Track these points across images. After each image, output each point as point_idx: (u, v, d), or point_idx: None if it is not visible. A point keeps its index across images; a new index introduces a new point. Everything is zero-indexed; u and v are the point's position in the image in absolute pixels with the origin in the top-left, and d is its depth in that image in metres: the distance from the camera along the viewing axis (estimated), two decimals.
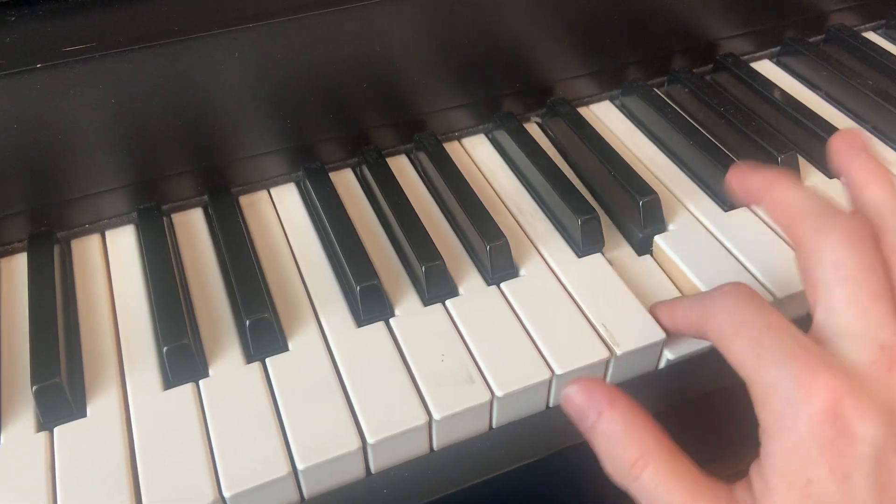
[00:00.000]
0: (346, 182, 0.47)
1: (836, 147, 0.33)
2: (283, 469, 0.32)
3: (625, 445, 0.29)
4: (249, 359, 0.37)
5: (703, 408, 0.38)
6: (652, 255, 0.42)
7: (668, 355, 0.38)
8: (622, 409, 0.30)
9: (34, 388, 0.34)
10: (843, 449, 0.25)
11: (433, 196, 0.46)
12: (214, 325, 0.38)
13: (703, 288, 0.39)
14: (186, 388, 0.35)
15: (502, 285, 0.40)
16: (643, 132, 0.51)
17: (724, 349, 0.29)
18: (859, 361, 0.27)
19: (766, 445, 0.27)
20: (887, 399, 0.26)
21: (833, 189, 0.46)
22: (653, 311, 0.37)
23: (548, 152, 0.47)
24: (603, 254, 0.42)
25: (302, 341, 0.37)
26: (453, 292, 0.40)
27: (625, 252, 0.42)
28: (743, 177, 0.33)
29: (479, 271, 0.41)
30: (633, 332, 0.37)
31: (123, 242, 0.43)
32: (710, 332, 0.30)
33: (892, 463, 0.25)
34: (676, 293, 0.40)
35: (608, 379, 0.37)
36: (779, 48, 0.58)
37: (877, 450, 0.25)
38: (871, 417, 0.25)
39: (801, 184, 0.32)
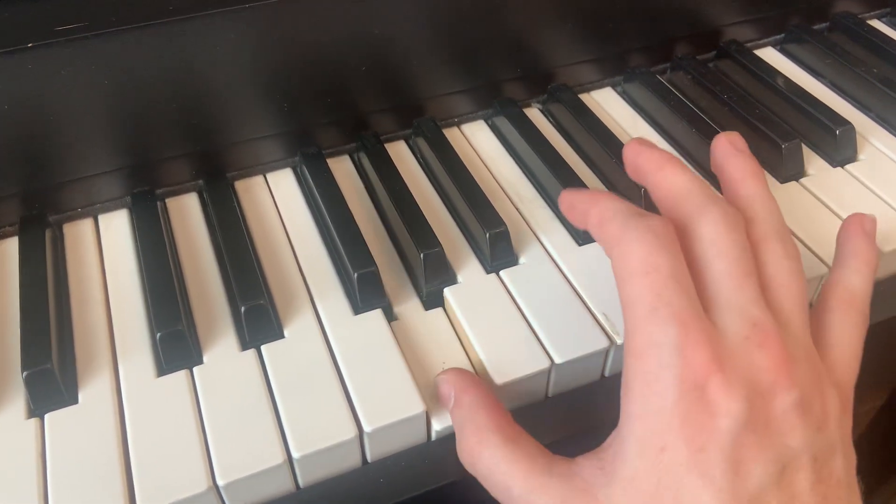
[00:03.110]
0: (343, 168, 0.47)
1: (719, 145, 0.35)
2: (278, 457, 0.31)
3: (468, 430, 0.31)
4: (244, 346, 0.36)
5: None
6: None
7: None
8: (470, 396, 0.32)
9: (24, 373, 0.33)
10: (704, 422, 0.26)
11: (432, 183, 0.46)
12: (209, 311, 0.38)
13: None
14: (180, 375, 0.35)
15: (502, 273, 0.39)
16: (645, 119, 0.51)
17: (621, 281, 0.29)
18: (734, 334, 0.27)
19: (628, 406, 0.27)
20: (753, 377, 0.26)
21: (837, 179, 0.45)
22: (564, 193, 0.35)
23: (550, 137, 0.46)
24: None
25: (298, 328, 0.37)
26: (452, 280, 0.39)
27: None
28: (637, 152, 0.34)
29: (479, 259, 0.40)
30: None
31: (117, 227, 0.43)
32: (617, 256, 0.29)
33: (749, 440, 0.26)
34: None
35: (608, 368, 0.37)
36: (783, 35, 0.57)
37: (736, 426, 0.26)
38: (736, 395, 0.26)
39: (688, 169, 0.33)
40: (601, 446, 0.29)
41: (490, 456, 0.30)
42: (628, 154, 0.35)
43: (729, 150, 0.35)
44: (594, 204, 0.32)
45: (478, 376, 0.34)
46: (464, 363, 0.35)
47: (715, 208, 0.30)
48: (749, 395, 0.26)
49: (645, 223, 0.29)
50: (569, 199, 0.34)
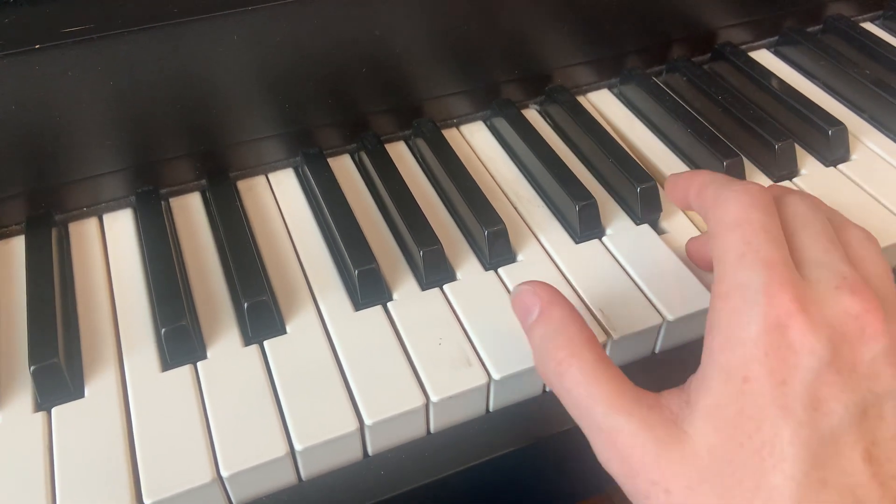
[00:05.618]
0: (344, 168, 0.47)
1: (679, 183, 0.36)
2: (280, 450, 0.32)
3: (556, 343, 0.30)
4: (247, 341, 0.37)
5: None
6: None
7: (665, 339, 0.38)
8: (560, 309, 0.31)
9: (32, 368, 0.34)
10: (787, 356, 0.26)
11: (431, 182, 0.47)
12: (212, 308, 0.39)
13: (695, 274, 0.39)
14: (184, 370, 0.35)
15: (500, 270, 0.40)
16: (641, 120, 0.52)
17: (714, 234, 0.30)
18: (824, 285, 0.28)
19: (711, 342, 0.28)
20: (840, 322, 0.27)
21: (829, 178, 0.46)
22: (669, 178, 0.37)
23: (547, 138, 0.47)
24: (601, 240, 0.42)
25: (300, 324, 0.37)
26: (451, 277, 0.40)
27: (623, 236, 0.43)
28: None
29: (477, 257, 0.41)
30: (630, 316, 0.37)
31: (121, 226, 0.43)
32: (713, 216, 0.31)
33: (831, 380, 0.26)
34: (673, 275, 0.40)
35: None
36: (777, 38, 0.58)
37: (819, 364, 0.26)
38: (823, 335, 0.26)
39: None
40: (685, 384, 0.29)
41: (578, 371, 0.29)
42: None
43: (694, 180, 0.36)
44: (694, 177, 0.34)
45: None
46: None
47: (796, 194, 0.32)
48: (834, 337, 0.26)
49: (741, 185, 0.31)
50: (672, 181, 0.36)
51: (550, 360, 0.30)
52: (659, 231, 0.43)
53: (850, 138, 0.48)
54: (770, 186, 0.36)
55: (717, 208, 0.31)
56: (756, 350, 0.26)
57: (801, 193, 0.32)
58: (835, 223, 0.31)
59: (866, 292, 0.27)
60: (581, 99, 0.53)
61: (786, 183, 0.46)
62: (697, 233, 0.42)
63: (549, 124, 0.51)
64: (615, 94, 0.54)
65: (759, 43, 0.58)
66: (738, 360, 0.26)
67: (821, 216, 0.31)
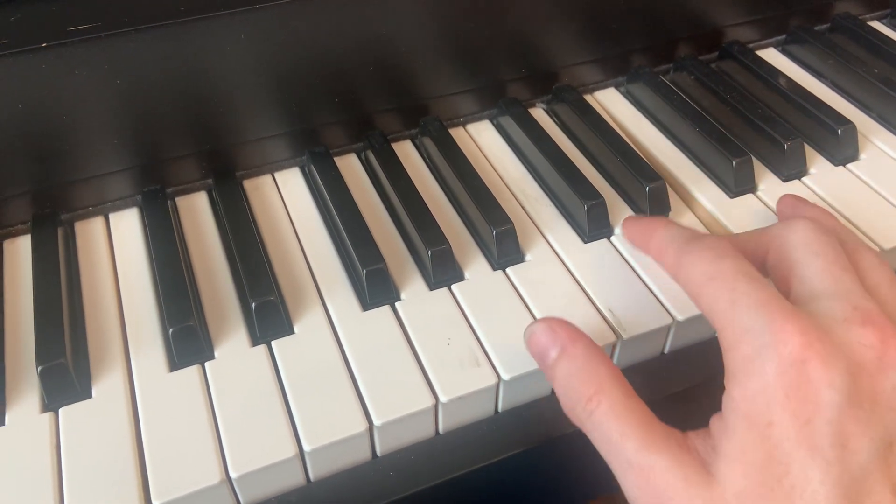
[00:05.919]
0: (350, 167, 0.47)
1: (785, 201, 0.39)
2: (289, 451, 0.32)
3: (583, 380, 0.29)
4: (255, 341, 0.37)
5: (708, 393, 0.38)
6: None
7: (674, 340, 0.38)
8: (583, 345, 0.30)
9: (39, 368, 0.34)
10: (808, 395, 0.25)
11: (438, 182, 0.46)
12: (220, 307, 0.38)
13: None
14: (192, 370, 0.35)
15: (508, 270, 0.40)
16: (649, 119, 0.51)
17: (694, 295, 0.30)
18: (833, 317, 0.27)
19: (731, 391, 0.27)
20: (855, 352, 0.26)
21: (838, 178, 0.46)
22: (625, 225, 0.37)
23: (555, 137, 0.47)
24: (609, 239, 0.42)
25: (308, 325, 0.37)
26: (459, 277, 0.40)
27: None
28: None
29: (485, 256, 0.41)
30: (640, 316, 0.37)
31: (127, 225, 0.43)
32: (683, 279, 0.30)
33: (854, 414, 0.25)
34: None
35: (614, 363, 0.37)
36: (784, 36, 0.58)
37: (840, 398, 0.25)
38: (839, 367, 0.26)
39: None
40: (708, 427, 0.28)
41: (609, 407, 0.28)
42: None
43: (797, 201, 0.38)
44: (651, 236, 0.33)
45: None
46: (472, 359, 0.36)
47: (803, 220, 0.31)
48: (851, 368, 0.26)
49: (698, 243, 0.30)
50: (629, 229, 0.37)
51: (579, 397, 0.29)
52: None
53: (859, 137, 0.48)
54: (784, 196, 0.37)
55: (684, 270, 0.30)
56: (776, 393, 0.26)
57: (804, 218, 0.32)
58: (847, 247, 0.31)
59: (880, 321, 0.27)
60: (588, 98, 0.53)
61: (794, 182, 0.46)
62: (707, 232, 0.42)
63: (556, 123, 0.51)
64: (622, 93, 0.54)
65: (767, 41, 0.57)
66: (760, 406, 0.26)
67: (833, 242, 0.30)
